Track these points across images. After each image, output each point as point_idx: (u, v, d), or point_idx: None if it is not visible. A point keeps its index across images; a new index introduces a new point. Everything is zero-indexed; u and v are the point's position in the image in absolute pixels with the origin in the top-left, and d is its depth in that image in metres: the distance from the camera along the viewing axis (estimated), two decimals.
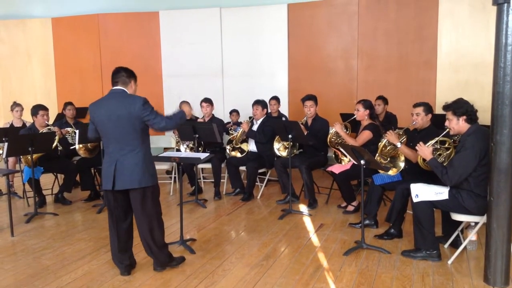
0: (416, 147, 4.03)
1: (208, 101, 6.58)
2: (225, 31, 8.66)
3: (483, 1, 6.97)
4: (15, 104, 6.85)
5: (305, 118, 5.93)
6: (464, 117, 3.78)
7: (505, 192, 3.33)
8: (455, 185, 3.81)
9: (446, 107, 3.92)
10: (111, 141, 3.58)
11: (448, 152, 4.11)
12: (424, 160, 4.07)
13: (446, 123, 3.91)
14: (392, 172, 4.67)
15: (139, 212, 3.64)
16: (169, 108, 7.97)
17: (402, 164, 4.64)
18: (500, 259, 3.40)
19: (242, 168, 6.34)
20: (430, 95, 7.30)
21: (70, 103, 6.79)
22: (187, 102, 5.33)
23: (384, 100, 6.58)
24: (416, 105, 4.60)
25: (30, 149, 5.13)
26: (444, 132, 4.02)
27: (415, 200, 3.94)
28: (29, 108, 5.96)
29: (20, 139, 5.34)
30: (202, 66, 8.74)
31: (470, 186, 3.74)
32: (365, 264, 3.92)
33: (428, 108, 4.57)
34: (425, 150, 3.96)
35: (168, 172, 7.56)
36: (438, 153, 4.10)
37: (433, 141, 4.07)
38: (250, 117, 6.46)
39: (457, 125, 3.82)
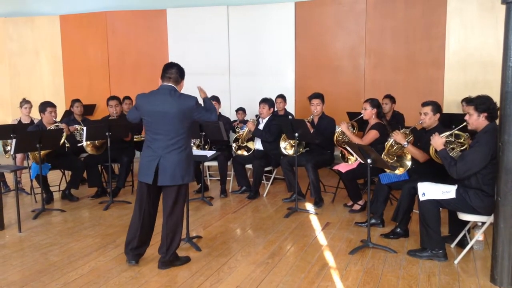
0: (431, 137, 4.02)
1: (215, 99, 6.58)
2: (232, 29, 8.66)
3: None
4: (24, 101, 6.88)
5: (311, 117, 5.92)
6: (486, 114, 3.74)
7: None
8: (462, 182, 3.80)
9: (469, 101, 3.90)
10: (157, 136, 3.65)
11: (462, 148, 4.08)
12: (436, 151, 4.05)
13: (466, 117, 3.88)
14: (399, 171, 4.65)
15: (170, 208, 3.72)
16: None
17: (409, 164, 4.63)
18: (507, 259, 3.38)
19: (248, 166, 6.35)
20: (438, 94, 7.26)
21: (77, 100, 6.83)
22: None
23: (392, 99, 6.55)
24: (424, 104, 4.57)
25: (38, 145, 5.16)
26: (461, 126, 4.00)
27: (421, 198, 3.93)
28: (37, 105, 5.99)
29: (28, 136, 5.37)
30: (209, 64, 8.74)
31: (479, 184, 3.72)
32: (371, 263, 3.91)
33: (437, 108, 4.53)
34: (437, 140, 3.96)
35: None
36: (451, 146, 4.08)
37: (448, 133, 4.06)
38: (256, 115, 6.46)
39: (477, 121, 3.79)
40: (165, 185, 3.69)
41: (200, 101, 3.87)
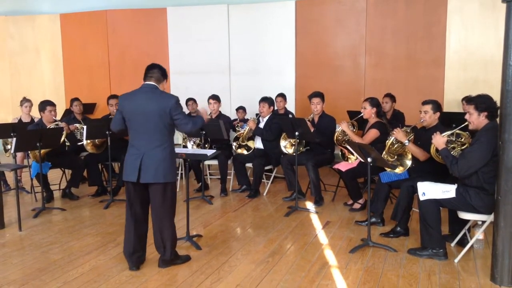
0: (432, 136, 4.03)
1: (215, 98, 6.59)
2: (233, 28, 8.66)
3: None
4: (25, 100, 6.88)
5: (311, 115, 5.92)
6: (486, 113, 3.74)
7: None
8: (463, 181, 3.80)
9: (469, 100, 3.90)
10: (140, 135, 3.65)
11: (462, 148, 4.08)
12: (437, 150, 4.05)
13: (466, 116, 3.88)
14: (399, 170, 4.65)
15: (158, 206, 3.69)
16: None
17: (409, 162, 4.63)
18: (507, 258, 3.39)
19: (249, 165, 6.35)
20: (438, 93, 7.26)
21: (76, 99, 6.85)
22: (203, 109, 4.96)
23: (392, 98, 6.55)
24: (424, 103, 4.58)
25: (38, 144, 5.16)
26: (462, 125, 4.00)
27: (421, 198, 3.93)
28: (38, 103, 5.99)
29: (29, 134, 5.38)
30: (209, 63, 8.74)
31: (479, 182, 3.71)
32: (371, 261, 3.91)
33: (437, 106, 4.53)
34: (439, 139, 3.96)
35: None
36: (452, 145, 4.08)
37: (449, 132, 4.06)
38: (256, 114, 6.46)
39: (477, 120, 3.79)
40: (151, 185, 3.65)
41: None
